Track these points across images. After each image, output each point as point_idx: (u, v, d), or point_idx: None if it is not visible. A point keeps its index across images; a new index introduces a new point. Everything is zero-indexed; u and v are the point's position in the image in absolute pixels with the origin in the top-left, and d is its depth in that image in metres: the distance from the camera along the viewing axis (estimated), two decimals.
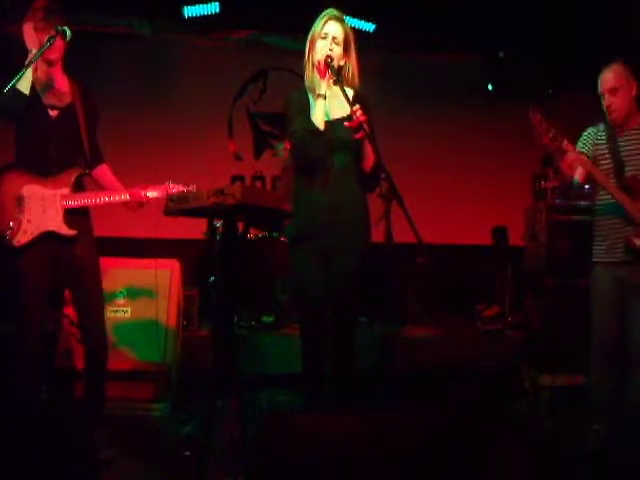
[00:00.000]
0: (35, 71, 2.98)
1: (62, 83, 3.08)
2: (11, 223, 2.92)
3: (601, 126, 3.33)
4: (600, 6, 5.45)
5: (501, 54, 6.61)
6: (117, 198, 3.04)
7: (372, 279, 2.90)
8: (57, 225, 2.96)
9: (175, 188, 3.04)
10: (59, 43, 2.93)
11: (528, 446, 3.52)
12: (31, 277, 2.95)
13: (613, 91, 3.17)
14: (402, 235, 2.67)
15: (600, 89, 3.23)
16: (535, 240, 4.68)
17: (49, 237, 2.96)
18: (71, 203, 2.98)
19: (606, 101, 3.21)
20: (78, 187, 3.04)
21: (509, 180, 6.67)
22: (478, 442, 2.26)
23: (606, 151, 3.26)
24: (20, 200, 2.95)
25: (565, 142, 3.06)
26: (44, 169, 2.99)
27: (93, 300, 3.09)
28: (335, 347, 2.80)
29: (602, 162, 3.26)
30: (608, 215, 3.26)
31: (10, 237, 2.91)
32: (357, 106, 2.60)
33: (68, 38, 2.90)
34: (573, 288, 4.19)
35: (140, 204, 3.06)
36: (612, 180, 3.20)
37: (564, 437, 3.61)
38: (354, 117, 2.60)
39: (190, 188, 3.02)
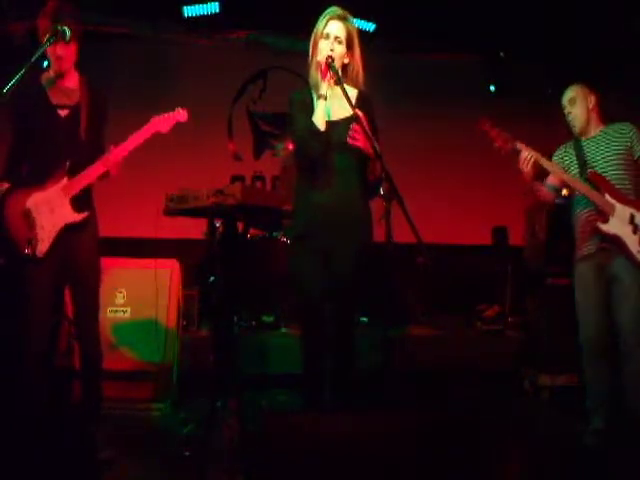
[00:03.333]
0: (46, 71, 3.01)
1: (73, 81, 3.08)
2: (28, 240, 2.94)
3: (568, 142, 3.60)
4: (600, 6, 5.45)
5: (501, 54, 6.62)
6: (99, 169, 3.00)
7: (372, 279, 2.89)
8: (69, 216, 2.98)
9: (156, 121, 3.08)
10: (71, 46, 2.95)
11: (528, 446, 3.52)
12: (41, 277, 2.96)
13: (571, 101, 3.53)
14: (402, 235, 2.66)
15: (562, 104, 3.58)
16: (535, 240, 4.68)
17: (63, 234, 2.97)
18: (74, 190, 2.99)
19: (566, 110, 3.55)
20: (74, 172, 3.00)
21: (509, 180, 6.64)
22: (478, 442, 2.26)
23: (573, 159, 3.51)
24: (28, 214, 2.96)
25: (518, 142, 3.34)
26: (55, 167, 2.99)
27: (90, 301, 3.09)
28: (335, 347, 2.80)
29: (571, 169, 3.49)
30: (578, 209, 3.47)
31: (32, 252, 2.93)
32: (357, 127, 2.61)
33: (67, 39, 2.89)
34: (573, 288, 4.19)
35: (121, 164, 3.04)
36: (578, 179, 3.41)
37: (564, 437, 3.60)
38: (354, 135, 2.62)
39: (174, 114, 3.07)
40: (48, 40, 2.85)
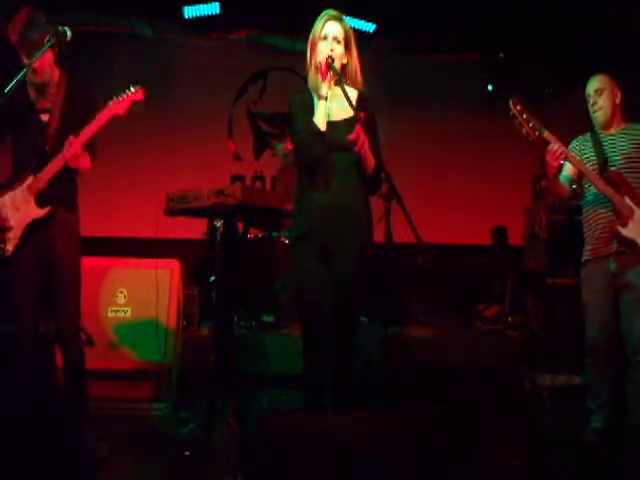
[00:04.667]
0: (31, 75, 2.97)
1: (53, 83, 3.05)
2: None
3: (587, 134, 3.48)
4: (600, 6, 5.45)
5: (501, 54, 6.62)
6: (59, 163, 2.95)
7: (372, 279, 2.90)
8: (32, 213, 2.98)
9: (113, 106, 2.98)
10: (44, 55, 2.90)
11: (528, 446, 3.52)
12: (21, 276, 2.98)
13: (598, 91, 3.40)
14: (402, 235, 2.66)
15: (586, 92, 3.45)
16: (535, 240, 4.69)
17: (32, 232, 2.97)
18: (38, 186, 2.97)
19: (591, 100, 3.42)
20: (39, 168, 2.98)
21: (509, 180, 6.68)
22: (478, 442, 2.26)
23: (592, 152, 3.39)
24: None
25: (546, 132, 3.17)
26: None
27: (67, 300, 3.05)
28: (336, 347, 2.80)
29: (589, 164, 3.37)
30: (594, 208, 3.37)
31: (1, 254, 2.95)
32: (359, 129, 2.59)
33: (68, 39, 2.88)
34: (573, 288, 4.19)
35: (78, 155, 2.94)
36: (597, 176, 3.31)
37: (564, 437, 3.61)
38: (356, 139, 2.59)
39: (128, 94, 2.98)
40: (49, 41, 2.83)
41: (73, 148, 2.91)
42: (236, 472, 2.74)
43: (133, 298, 4.09)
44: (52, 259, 3.01)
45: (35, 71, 2.94)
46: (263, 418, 2.57)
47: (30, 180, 2.98)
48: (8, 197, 2.99)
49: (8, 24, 2.93)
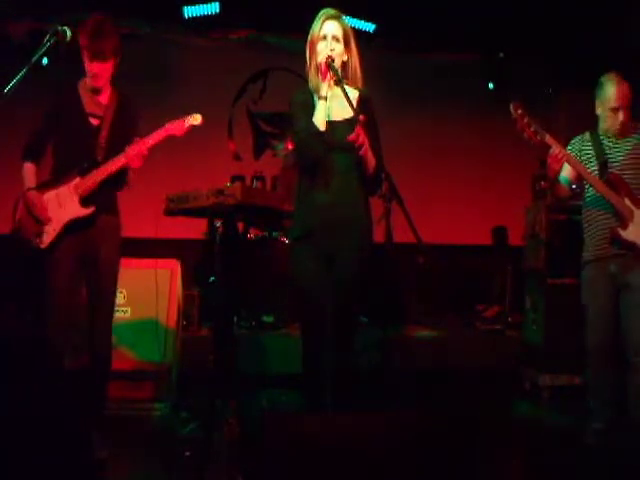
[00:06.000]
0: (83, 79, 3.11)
1: (105, 95, 3.16)
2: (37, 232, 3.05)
3: (586, 134, 3.44)
4: (600, 6, 5.45)
5: (501, 54, 6.63)
6: (120, 161, 3.04)
7: (372, 279, 2.90)
8: (75, 211, 3.04)
9: (170, 126, 3.12)
10: (108, 63, 3.04)
11: (528, 446, 3.52)
12: (59, 274, 3.02)
13: (620, 108, 3.26)
14: (402, 235, 2.66)
15: (613, 104, 3.29)
16: (535, 240, 4.68)
17: (72, 230, 3.03)
18: (84, 188, 3.04)
19: (620, 116, 3.28)
20: (87, 172, 3.06)
21: (509, 180, 6.68)
22: (478, 442, 2.26)
23: (592, 153, 3.37)
24: None
25: (547, 136, 3.14)
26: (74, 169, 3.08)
27: (104, 300, 3.13)
28: (335, 347, 2.80)
29: (588, 165, 3.36)
30: (594, 209, 3.36)
31: (37, 243, 3.03)
32: (359, 130, 2.58)
33: (68, 39, 2.89)
34: (573, 288, 4.19)
35: (141, 156, 3.05)
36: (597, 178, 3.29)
37: (564, 437, 3.61)
38: (356, 139, 2.58)
39: (187, 119, 3.15)
40: (48, 40, 2.84)
41: (138, 146, 3.01)
42: (236, 472, 2.75)
43: (133, 298, 4.10)
44: (94, 260, 3.08)
45: (95, 76, 3.05)
46: (263, 418, 2.57)
47: (77, 181, 3.05)
48: (54, 192, 3.07)
49: (9, 24, 2.97)
